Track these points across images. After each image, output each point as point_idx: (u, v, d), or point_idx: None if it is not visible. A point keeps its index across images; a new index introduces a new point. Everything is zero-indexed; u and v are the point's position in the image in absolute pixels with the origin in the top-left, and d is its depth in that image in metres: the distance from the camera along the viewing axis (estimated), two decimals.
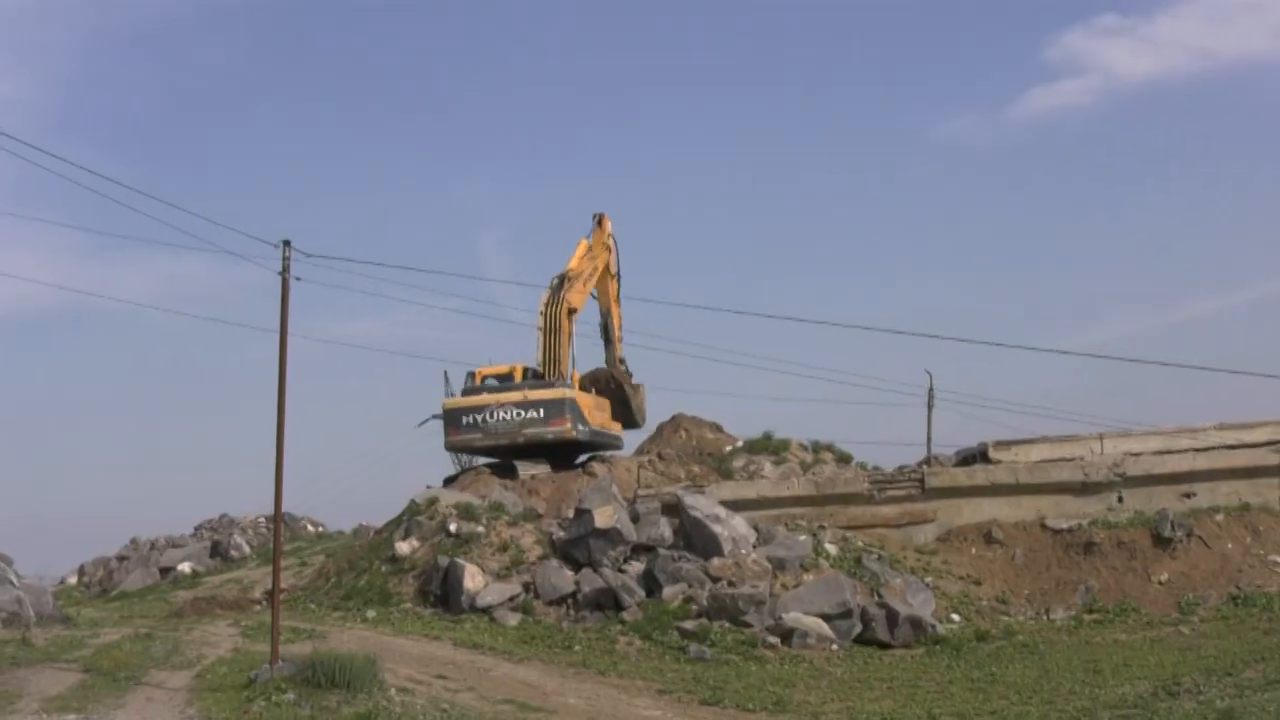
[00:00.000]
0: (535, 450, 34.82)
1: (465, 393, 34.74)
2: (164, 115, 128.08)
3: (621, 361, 40.15)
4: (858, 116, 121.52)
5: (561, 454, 35.31)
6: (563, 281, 36.06)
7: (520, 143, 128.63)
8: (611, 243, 38.68)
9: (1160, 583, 25.78)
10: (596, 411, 35.96)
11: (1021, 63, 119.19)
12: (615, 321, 39.53)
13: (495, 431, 34.09)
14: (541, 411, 33.87)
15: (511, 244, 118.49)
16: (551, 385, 34.53)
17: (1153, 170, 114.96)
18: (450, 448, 35.02)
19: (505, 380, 35.28)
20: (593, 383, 38.22)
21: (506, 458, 35.04)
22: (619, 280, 39.33)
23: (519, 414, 33.94)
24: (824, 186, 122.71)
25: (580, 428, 34.43)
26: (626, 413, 39.33)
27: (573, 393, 34.59)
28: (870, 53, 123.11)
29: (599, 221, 38.52)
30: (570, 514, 26.80)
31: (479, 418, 34.14)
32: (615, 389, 39.41)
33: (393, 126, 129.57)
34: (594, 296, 38.50)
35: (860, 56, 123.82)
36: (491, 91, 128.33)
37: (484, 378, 35.66)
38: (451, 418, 34.41)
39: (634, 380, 40.08)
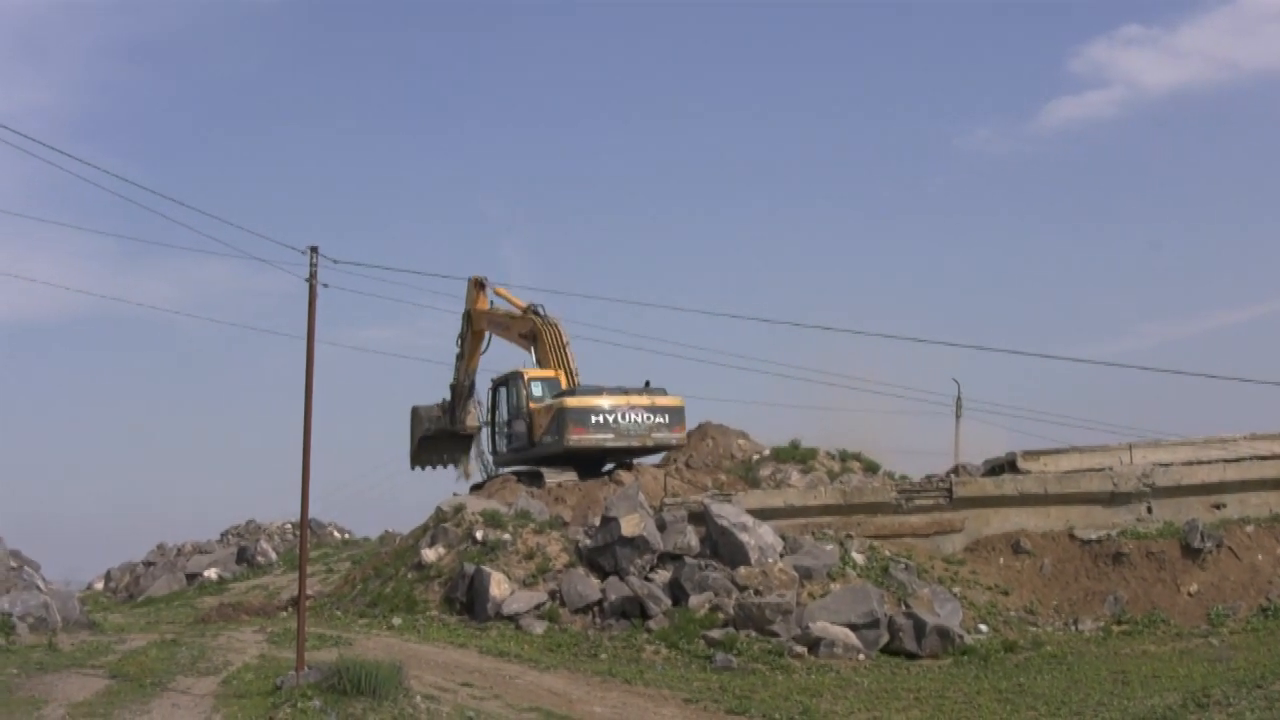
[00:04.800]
0: (648, 455, 36.24)
1: (581, 393, 34.78)
2: (186, 123, 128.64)
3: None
4: (881, 127, 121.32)
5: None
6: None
7: (546, 151, 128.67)
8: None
9: (1189, 594, 25.62)
10: None
11: (1045, 74, 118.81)
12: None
13: (627, 433, 34.47)
14: (666, 417, 34.82)
15: (535, 252, 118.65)
16: (664, 392, 35.23)
17: (1179, 180, 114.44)
18: (575, 445, 34.40)
19: (551, 384, 35.57)
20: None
21: (619, 459, 35.73)
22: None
23: (648, 418, 34.61)
24: (848, 196, 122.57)
25: None
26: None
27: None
28: (893, 64, 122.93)
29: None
30: (597, 522, 26.75)
31: (610, 418, 34.38)
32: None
33: (419, 135, 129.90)
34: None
35: (883, 67, 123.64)
36: (519, 101, 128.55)
37: (530, 380, 35.77)
38: (578, 416, 34.33)
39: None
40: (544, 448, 34.69)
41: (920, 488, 29.39)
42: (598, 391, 34.62)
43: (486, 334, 38.91)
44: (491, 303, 38.38)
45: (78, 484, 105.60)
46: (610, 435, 34.27)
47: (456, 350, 39.57)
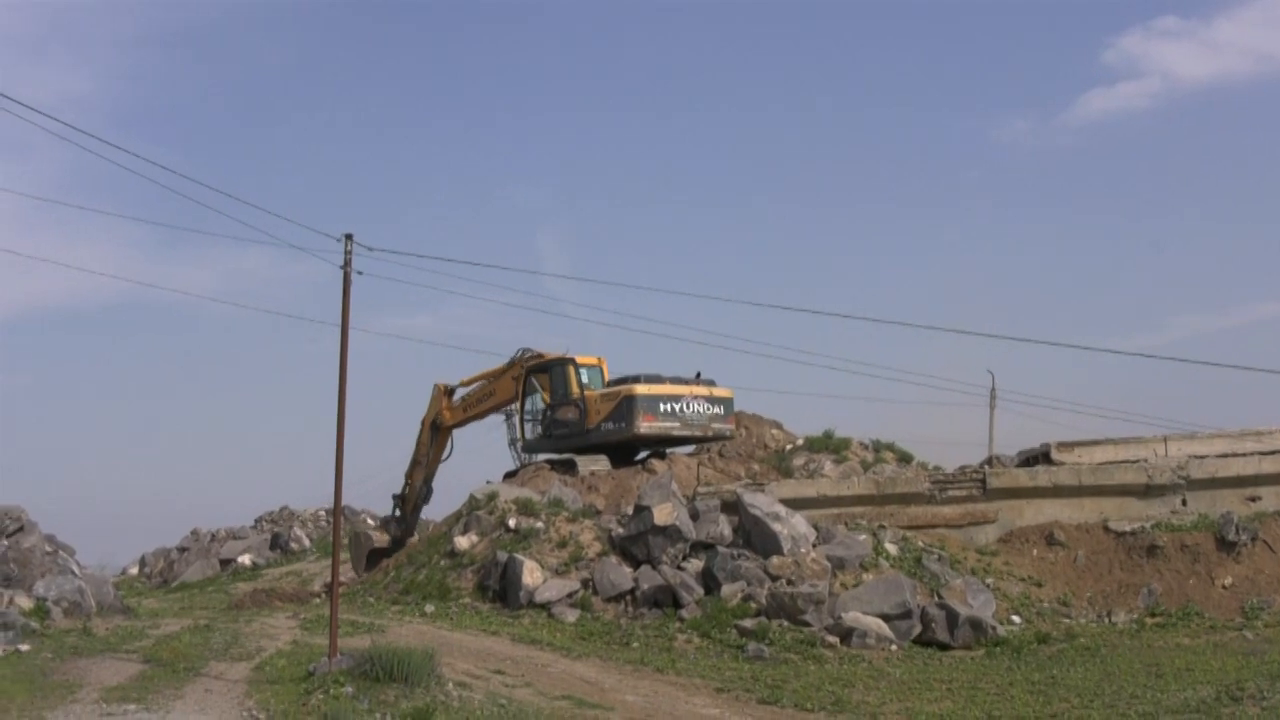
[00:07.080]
0: (706, 443, 36.54)
1: (647, 380, 34.72)
2: (220, 112, 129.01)
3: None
4: (916, 120, 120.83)
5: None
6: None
7: (581, 140, 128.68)
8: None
9: (1224, 587, 25.48)
10: None
11: (1079, 66, 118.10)
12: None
13: (691, 422, 34.82)
14: (721, 408, 35.36)
15: (570, 241, 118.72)
16: (714, 383, 35.56)
17: (1213, 172, 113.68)
18: (645, 432, 34.48)
19: (594, 371, 35.89)
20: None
21: (671, 447, 36.08)
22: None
23: (708, 408, 35.03)
24: (883, 188, 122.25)
25: None
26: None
27: None
28: (927, 57, 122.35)
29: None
30: (629, 511, 26.75)
31: (677, 407, 34.56)
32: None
33: (453, 123, 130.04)
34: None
35: (917, 60, 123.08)
36: (552, 91, 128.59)
37: (580, 366, 35.74)
38: (648, 403, 34.35)
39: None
40: (604, 434, 34.57)
41: (954, 478, 29.30)
42: (660, 380, 34.72)
43: (451, 439, 38.07)
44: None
45: (113, 469, 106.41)
46: (677, 424, 34.54)
47: (415, 459, 38.19)
